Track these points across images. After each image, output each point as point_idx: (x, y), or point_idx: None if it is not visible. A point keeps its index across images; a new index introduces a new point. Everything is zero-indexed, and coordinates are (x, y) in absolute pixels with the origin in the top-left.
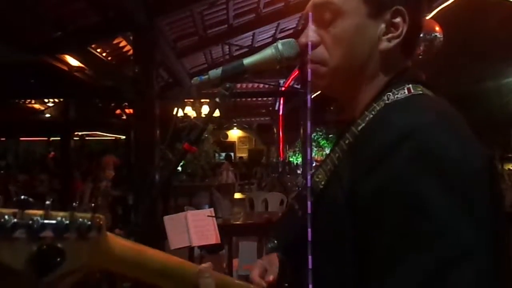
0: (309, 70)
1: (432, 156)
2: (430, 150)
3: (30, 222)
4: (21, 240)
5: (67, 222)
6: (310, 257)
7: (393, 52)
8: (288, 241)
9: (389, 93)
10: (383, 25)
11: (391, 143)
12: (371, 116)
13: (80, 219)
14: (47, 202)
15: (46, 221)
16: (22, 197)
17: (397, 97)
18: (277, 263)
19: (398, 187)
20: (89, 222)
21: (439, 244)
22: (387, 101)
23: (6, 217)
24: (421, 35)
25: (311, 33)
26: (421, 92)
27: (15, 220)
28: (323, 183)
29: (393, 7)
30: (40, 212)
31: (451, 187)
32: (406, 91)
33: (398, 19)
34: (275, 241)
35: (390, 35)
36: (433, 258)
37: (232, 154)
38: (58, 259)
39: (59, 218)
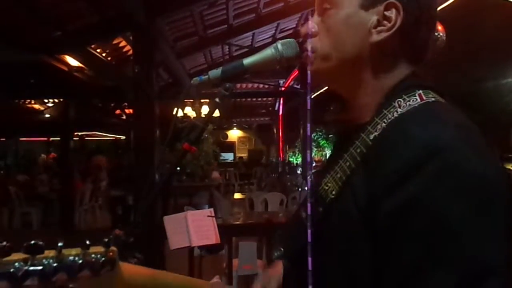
0: (308, 68)
1: (460, 175)
2: (457, 169)
3: (42, 267)
4: (33, 287)
5: (80, 261)
6: (309, 258)
7: (387, 47)
8: (294, 249)
9: (400, 100)
10: (375, 17)
11: (417, 161)
12: (384, 125)
13: (93, 256)
14: (60, 244)
15: (58, 264)
16: (33, 242)
17: (409, 104)
18: (276, 276)
19: (425, 206)
20: (103, 258)
21: (465, 262)
22: (399, 109)
23: (17, 265)
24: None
25: (310, 24)
26: (433, 100)
27: (27, 268)
28: (333, 192)
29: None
30: (52, 253)
31: (478, 206)
32: (418, 98)
33: (391, 12)
34: (281, 249)
35: (380, 28)
36: (459, 275)
37: (232, 154)
38: None
39: (71, 258)
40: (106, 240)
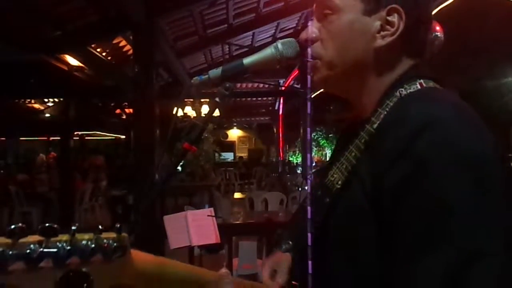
0: (309, 74)
1: (453, 146)
2: (451, 140)
3: (56, 250)
4: (48, 269)
5: (93, 245)
6: (310, 262)
7: (391, 50)
8: (302, 242)
9: (401, 89)
10: (378, 23)
11: (412, 134)
12: (385, 112)
13: (105, 241)
14: (73, 228)
15: (71, 247)
16: (47, 224)
17: (409, 91)
18: (284, 263)
19: (422, 178)
20: (115, 244)
21: (464, 236)
22: (399, 97)
23: (32, 246)
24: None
25: (311, 29)
26: (433, 86)
27: (42, 249)
28: (339, 182)
29: (389, 5)
30: (66, 237)
31: (474, 178)
32: (418, 85)
33: (393, 17)
34: (290, 242)
35: (383, 33)
36: (456, 253)
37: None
38: (84, 284)
39: (84, 242)
40: (118, 225)
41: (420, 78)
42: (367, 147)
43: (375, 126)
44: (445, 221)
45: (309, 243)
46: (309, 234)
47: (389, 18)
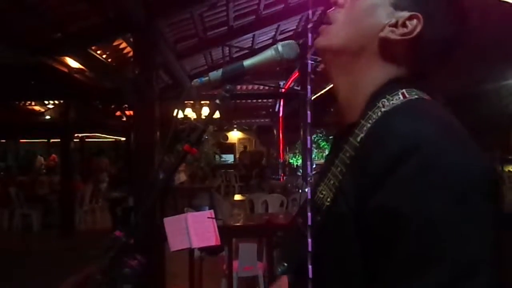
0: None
1: (440, 170)
2: (438, 164)
3: None
4: None
5: None
6: (310, 266)
7: (393, 48)
8: (297, 262)
9: (384, 100)
10: (395, 19)
11: (396, 157)
12: (369, 125)
13: None
14: None
15: None
16: None
17: (392, 103)
18: None
19: (406, 203)
20: None
21: (452, 258)
22: (383, 108)
23: None
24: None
25: None
26: (416, 97)
27: None
28: (328, 199)
29: (415, 11)
30: None
31: (461, 201)
32: (400, 96)
33: (412, 23)
34: (285, 264)
35: (395, 28)
36: (446, 272)
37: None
38: None
39: None
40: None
41: (402, 87)
42: (351, 162)
43: (358, 139)
44: (434, 243)
45: (310, 275)
46: (309, 240)
47: (408, 22)
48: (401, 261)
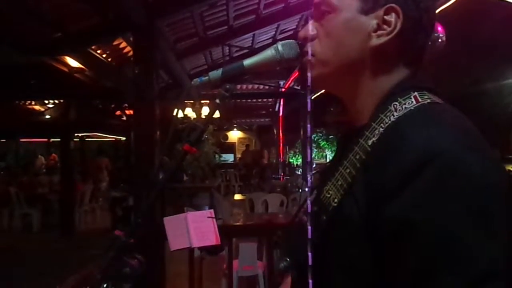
0: (308, 71)
1: (458, 182)
2: (454, 175)
3: None
4: None
5: None
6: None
7: (387, 51)
8: (300, 258)
9: (395, 103)
10: (374, 21)
11: (413, 167)
12: (382, 130)
13: None
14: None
15: None
16: None
17: (405, 107)
18: None
19: (424, 213)
20: None
21: (467, 267)
22: (395, 112)
23: None
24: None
25: (309, 27)
26: (429, 101)
27: None
28: (336, 200)
29: (386, 4)
30: None
31: (479, 213)
32: (413, 100)
33: (391, 17)
34: (287, 260)
35: (380, 32)
36: (462, 281)
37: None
38: None
39: None
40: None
41: (415, 90)
42: (363, 166)
43: (369, 142)
44: (449, 251)
45: (310, 263)
46: (309, 254)
47: (386, 17)
48: (414, 271)
